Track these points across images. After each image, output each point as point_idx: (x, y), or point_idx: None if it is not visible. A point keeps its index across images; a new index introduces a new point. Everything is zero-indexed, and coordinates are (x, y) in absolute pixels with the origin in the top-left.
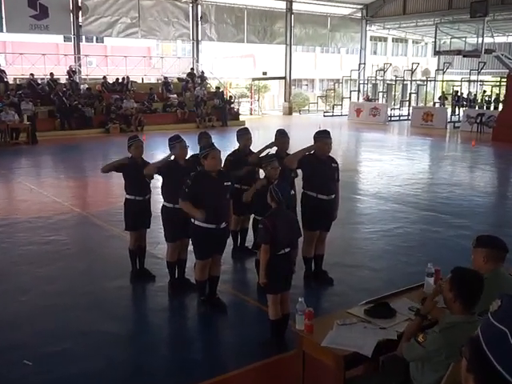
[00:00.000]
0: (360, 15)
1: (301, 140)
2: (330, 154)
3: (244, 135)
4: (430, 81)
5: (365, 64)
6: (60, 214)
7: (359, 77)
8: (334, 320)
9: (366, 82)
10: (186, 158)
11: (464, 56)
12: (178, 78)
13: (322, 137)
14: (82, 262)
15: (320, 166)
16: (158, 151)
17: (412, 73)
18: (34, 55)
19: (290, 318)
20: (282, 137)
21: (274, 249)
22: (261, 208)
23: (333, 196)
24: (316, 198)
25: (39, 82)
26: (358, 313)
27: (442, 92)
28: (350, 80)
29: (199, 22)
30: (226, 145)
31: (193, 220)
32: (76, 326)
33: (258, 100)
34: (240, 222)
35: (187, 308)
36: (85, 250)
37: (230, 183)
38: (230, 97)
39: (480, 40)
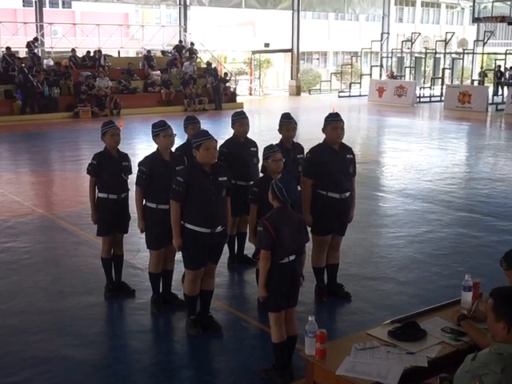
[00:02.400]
0: None
1: (310, 126)
2: (346, 143)
3: (239, 120)
4: (468, 54)
5: (388, 34)
6: (19, 215)
7: (381, 49)
8: (352, 343)
9: (389, 55)
10: (172, 150)
11: (509, 24)
12: (162, 52)
13: (331, 120)
14: (46, 274)
15: (331, 157)
16: (137, 140)
17: (446, 44)
18: None
19: (297, 340)
20: (287, 122)
21: (277, 256)
22: (262, 208)
23: (347, 194)
24: (326, 196)
25: None
26: (380, 335)
27: (482, 67)
28: (371, 53)
29: None
30: (221, 132)
31: (182, 222)
32: (38, 352)
33: (259, 78)
34: (236, 225)
35: (173, 329)
36: (49, 259)
37: (225, 178)
38: (225, 74)
39: None
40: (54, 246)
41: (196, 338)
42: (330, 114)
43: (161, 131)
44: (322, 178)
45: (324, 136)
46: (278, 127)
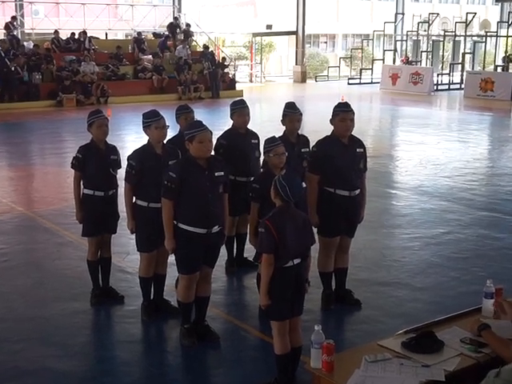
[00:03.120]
0: None
1: (317, 117)
2: (356, 135)
3: (238, 110)
4: (491, 36)
5: (403, 14)
6: None
7: (395, 31)
8: (362, 355)
9: (404, 38)
10: (164, 142)
11: None
12: (154, 34)
13: (339, 111)
14: (27, 278)
15: (339, 150)
16: (126, 131)
17: (466, 26)
18: None
19: (302, 352)
20: (291, 113)
21: (280, 260)
22: (264, 207)
23: (357, 192)
24: (334, 193)
25: None
26: (393, 346)
27: (506, 52)
28: (384, 36)
29: None
30: (218, 123)
31: (175, 222)
32: (20, 363)
33: (261, 63)
34: (235, 225)
35: (166, 339)
36: (30, 262)
37: (222, 173)
38: (223, 58)
39: None
40: (35, 248)
41: (191, 349)
42: (338, 103)
43: (153, 122)
44: (329, 173)
45: (332, 128)
46: (281, 118)
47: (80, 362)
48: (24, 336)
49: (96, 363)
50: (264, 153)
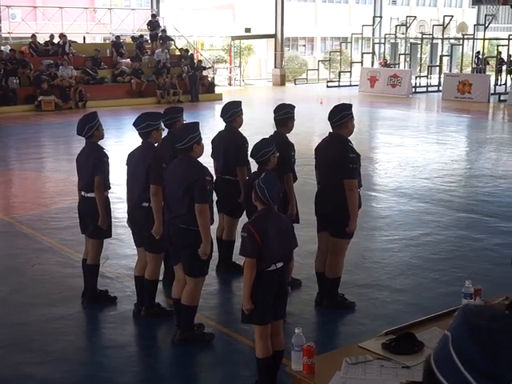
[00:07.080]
0: None
1: (297, 119)
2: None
3: (241, 110)
4: (468, 39)
5: (381, 17)
6: None
7: (373, 34)
8: (343, 357)
9: (382, 41)
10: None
11: None
12: (133, 37)
13: (350, 113)
14: (5, 284)
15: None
16: (105, 135)
17: (444, 29)
18: None
19: (283, 355)
20: (293, 114)
21: (263, 263)
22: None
23: None
24: (360, 196)
25: None
26: (373, 347)
27: (483, 54)
28: (362, 39)
29: None
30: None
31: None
32: None
33: (240, 66)
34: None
35: (147, 344)
36: (8, 268)
37: None
38: (200, 61)
39: None
40: (13, 253)
41: (171, 354)
42: (346, 105)
43: (160, 124)
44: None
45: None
46: (280, 120)
47: (59, 368)
48: (3, 342)
49: (76, 369)
50: (268, 155)
